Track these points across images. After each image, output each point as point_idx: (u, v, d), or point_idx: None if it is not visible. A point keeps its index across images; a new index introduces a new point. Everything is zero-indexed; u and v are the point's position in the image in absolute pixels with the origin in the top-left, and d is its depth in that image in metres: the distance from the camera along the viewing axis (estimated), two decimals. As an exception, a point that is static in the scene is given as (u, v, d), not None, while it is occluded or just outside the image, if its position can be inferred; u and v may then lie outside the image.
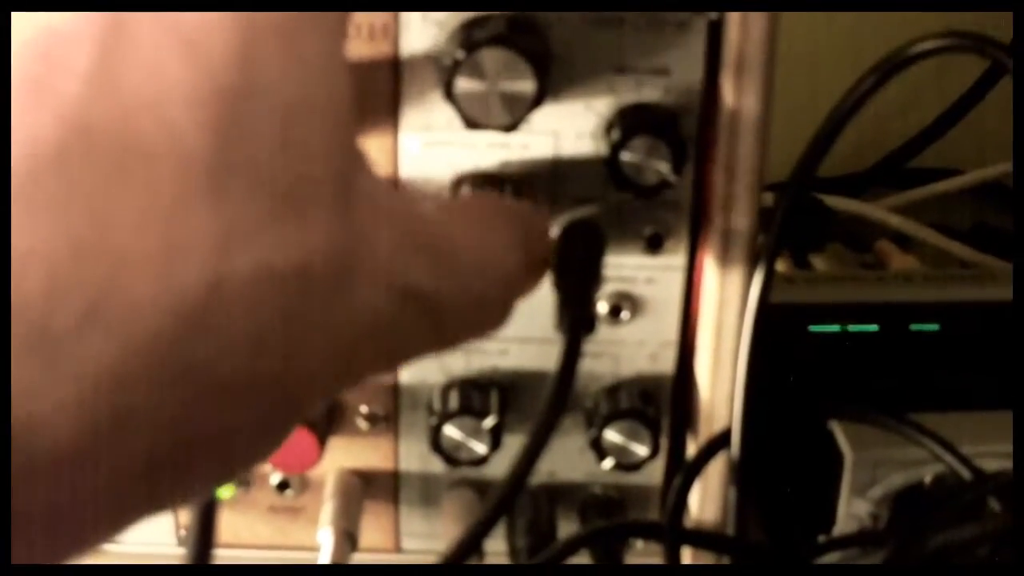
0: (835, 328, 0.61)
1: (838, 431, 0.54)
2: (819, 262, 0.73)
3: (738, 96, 0.47)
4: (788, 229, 0.49)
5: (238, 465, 0.28)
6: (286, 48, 0.27)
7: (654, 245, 0.51)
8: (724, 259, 0.49)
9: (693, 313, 0.52)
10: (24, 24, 0.25)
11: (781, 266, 0.71)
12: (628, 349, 0.53)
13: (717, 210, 0.49)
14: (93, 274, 0.23)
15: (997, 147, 0.87)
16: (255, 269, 0.26)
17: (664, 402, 0.54)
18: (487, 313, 0.35)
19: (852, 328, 0.61)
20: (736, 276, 0.50)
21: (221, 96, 0.26)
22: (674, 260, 0.51)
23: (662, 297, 0.52)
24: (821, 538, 0.53)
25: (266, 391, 0.27)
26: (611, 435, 0.52)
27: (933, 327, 0.62)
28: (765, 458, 0.59)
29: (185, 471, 0.26)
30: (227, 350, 0.26)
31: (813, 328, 0.61)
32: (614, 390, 0.53)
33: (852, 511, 0.53)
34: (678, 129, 0.48)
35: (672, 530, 0.50)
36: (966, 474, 0.50)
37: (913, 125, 0.89)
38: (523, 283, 0.37)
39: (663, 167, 0.47)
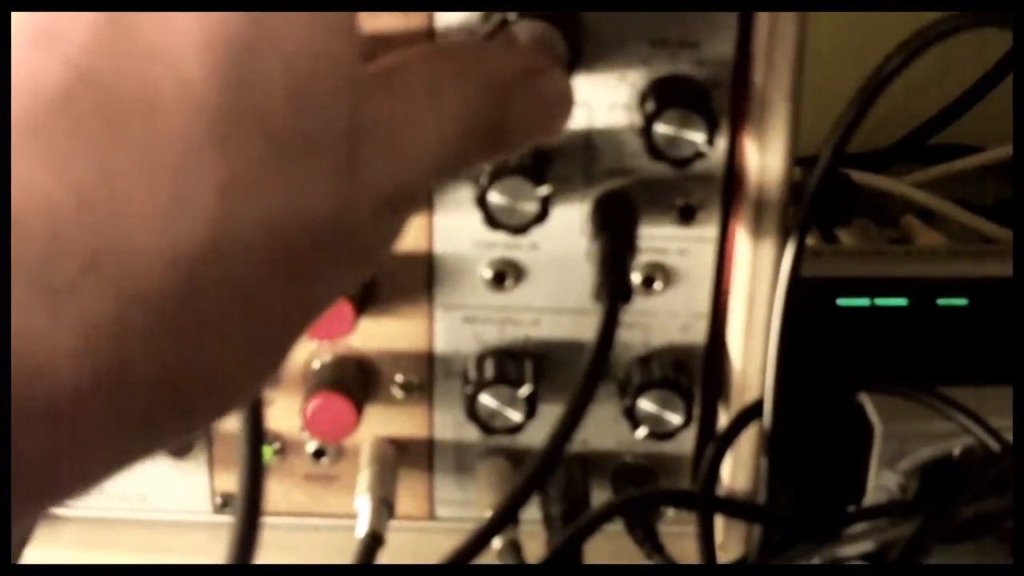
0: (864, 302, 0.61)
1: (868, 404, 0.54)
2: (846, 237, 0.74)
3: (770, 69, 0.48)
4: (820, 202, 0.50)
5: (238, 404, 0.28)
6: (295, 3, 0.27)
7: (687, 216, 0.51)
8: (756, 231, 0.50)
9: (725, 284, 0.53)
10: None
11: (809, 240, 0.71)
12: (660, 320, 0.53)
13: (749, 182, 0.50)
14: (95, 224, 0.23)
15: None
16: (259, 221, 0.26)
17: (696, 372, 0.54)
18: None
19: (880, 302, 0.62)
20: (768, 248, 0.50)
21: (230, 46, 0.26)
22: (707, 231, 0.52)
23: (694, 268, 0.52)
24: (850, 508, 0.54)
25: (267, 339, 0.27)
26: (645, 404, 0.52)
27: (961, 302, 0.62)
28: (795, 430, 0.59)
29: (184, 415, 0.26)
30: (227, 301, 0.26)
31: (841, 302, 0.61)
32: (646, 360, 0.54)
33: (881, 483, 0.54)
34: (711, 101, 0.48)
35: (705, 498, 0.50)
36: (995, 446, 0.50)
37: (937, 102, 0.90)
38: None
39: (697, 138, 0.48)
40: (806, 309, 0.60)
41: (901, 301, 0.62)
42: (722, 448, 0.52)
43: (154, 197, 0.24)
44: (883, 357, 0.59)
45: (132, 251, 0.24)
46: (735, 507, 0.53)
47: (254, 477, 0.45)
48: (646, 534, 0.53)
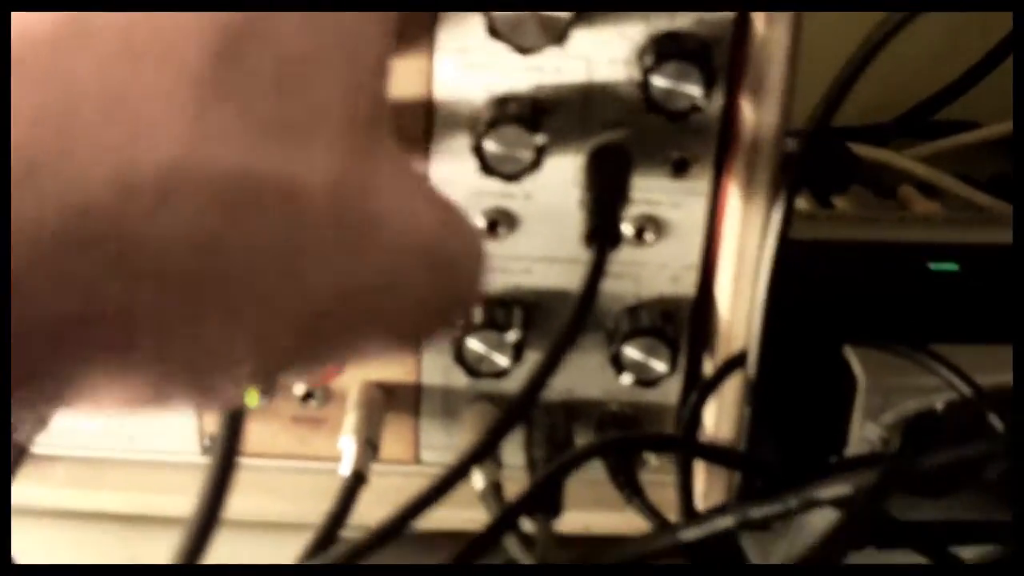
0: (860, 265, 0.62)
1: (853, 357, 0.55)
2: (842, 204, 0.74)
3: (769, 26, 0.48)
4: (810, 164, 0.50)
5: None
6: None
7: (680, 169, 0.52)
8: (748, 186, 0.50)
9: (716, 238, 0.53)
10: None
11: (805, 206, 0.72)
12: (650, 270, 0.54)
13: (744, 139, 0.50)
14: (43, 137, 0.23)
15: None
16: (227, 169, 0.26)
17: (683, 323, 0.55)
18: None
19: (873, 265, 0.62)
20: (759, 204, 0.51)
21: (224, 31, 0.26)
22: (699, 185, 0.52)
23: (686, 221, 0.53)
24: (832, 459, 0.55)
25: (207, 296, 0.27)
26: (630, 351, 0.53)
27: (952, 267, 0.63)
28: (782, 381, 0.60)
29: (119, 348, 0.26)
30: (173, 240, 0.25)
31: (836, 264, 0.62)
32: (635, 310, 0.54)
33: (864, 435, 0.54)
34: (710, 56, 0.49)
35: (685, 443, 0.51)
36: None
37: (939, 80, 0.90)
38: None
39: (694, 91, 0.48)
40: (798, 270, 0.61)
41: (892, 265, 0.62)
42: (704, 394, 0.53)
43: (116, 122, 0.24)
44: (875, 319, 0.60)
45: (76, 167, 0.24)
46: (715, 453, 0.54)
47: (234, 417, 0.46)
48: (627, 480, 0.53)
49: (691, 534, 0.45)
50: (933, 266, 0.62)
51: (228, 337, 0.27)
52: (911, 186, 0.78)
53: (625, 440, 0.54)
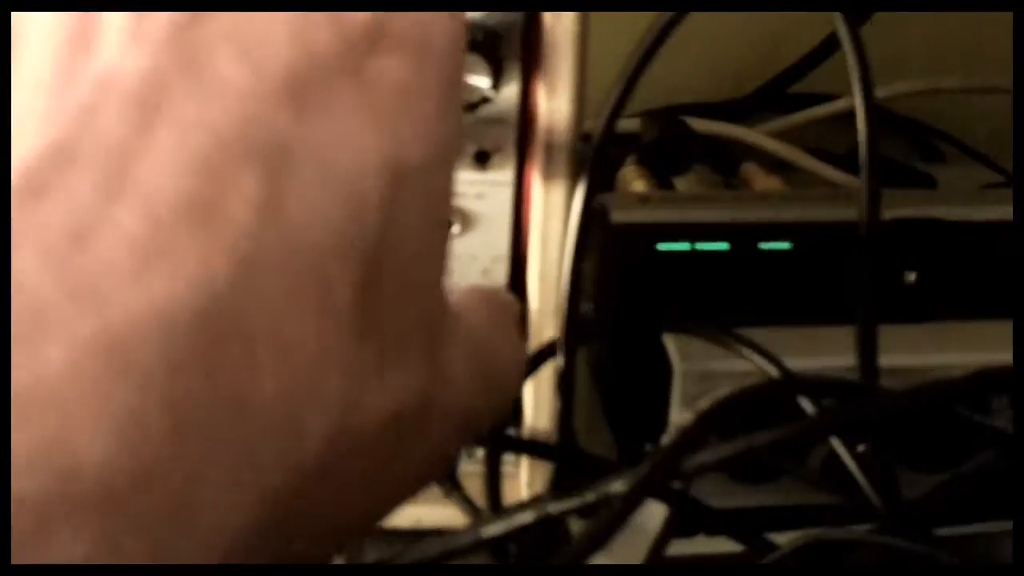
0: (684, 246, 0.62)
1: (670, 343, 0.55)
2: (681, 184, 0.74)
3: (556, 16, 0.48)
4: (610, 137, 0.50)
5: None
6: (424, 193, 0.26)
7: (481, 161, 0.52)
8: (547, 174, 0.51)
9: (524, 227, 0.53)
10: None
11: (641, 187, 0.72)
12: (460, 264, 0.54)
13: (540, 127, 0.50)
14: (231, 436, 0.22)
15: (879, 71, 0.88)
16: (368, 420, 0.25)
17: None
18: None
19: (701, 246, 0.62)
20: (559, 191, 0.51)
21: (366, 257, 0.25)
22: (502, 175, 0.52)
23: (492, 212, 0.53)
24: (648, 447, 0.55)
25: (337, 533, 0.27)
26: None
27: (784, 246, 0.63)
28: (606, 368, 0.60)
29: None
30: (333, 501, 0.25)
31: (661, 246, 0.62)
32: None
33: (681, 421, 0.54)
34: (499, 46, 0.49)
35: (491, 437, 0.51)
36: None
37: (796, 52, 0.90)
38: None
39: (482, 83, 0.48)
40: (626, 254, 0.61)
41: (723, 245, 0.62)
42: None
43: (283, 400, 0.23)
44: (705, 301, 0.60)
45: (259, 459, 0.23)
46: (523, 445, 0.54)
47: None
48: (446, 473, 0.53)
49: (493, 530, 0.45)
50: (763, 245, 0.63)
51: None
52: (756, 164, 0.78)
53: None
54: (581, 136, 0.50)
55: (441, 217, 0.28)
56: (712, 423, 0.44)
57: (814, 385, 0.50)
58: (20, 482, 0.19)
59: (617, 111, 0.50)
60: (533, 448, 0.54)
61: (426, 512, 0.57)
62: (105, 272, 0.21)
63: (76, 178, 0.22)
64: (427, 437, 0.27)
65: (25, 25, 0.25)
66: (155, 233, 0.22)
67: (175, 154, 0.23)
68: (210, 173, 0.23)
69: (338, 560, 0.48)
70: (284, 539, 0.24)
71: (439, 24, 0.27)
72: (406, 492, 0.29)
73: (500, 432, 0.52)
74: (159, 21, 0.24)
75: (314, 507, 0.24)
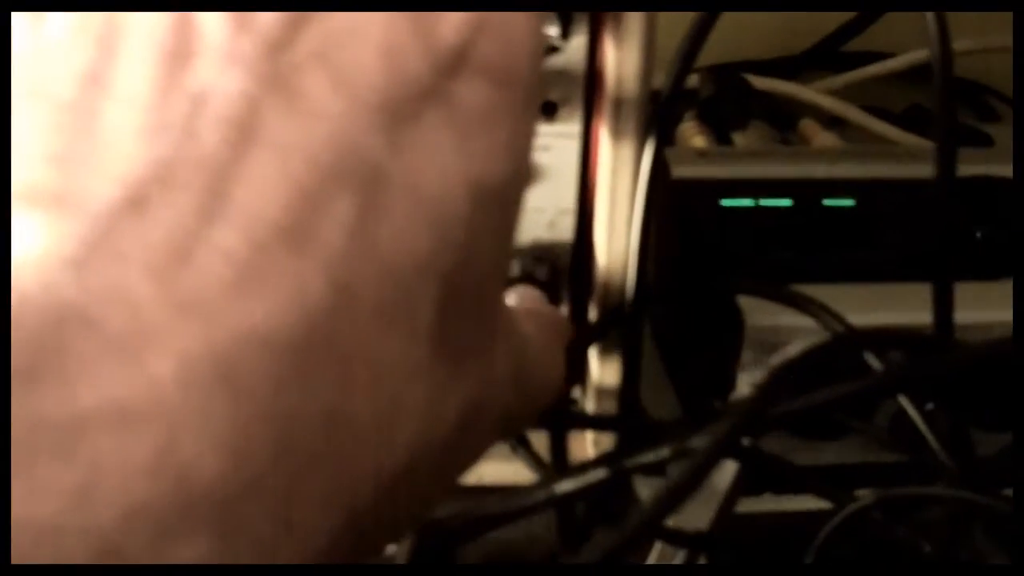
0: (747, 202, 0.61)
1: (740, 299, 0.55)
2: (740, 139, 0.73)
3: (627, -35, 0.48)
4: (679, 93, 0.50)
5: None
6: (499, 213, 0.27)
7: (548, 112, 0.51)
8: (615, 128, 0.50)
9: (591, 181, 0.52)
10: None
11: (700, 142, 0.71)
12: (526, 216, 0.53)
13: (608, 78, 0.49)
14: (319, 436, 0.23)
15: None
16: (445, 424, 0.26)
17: (563, 269, 0.54)
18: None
19: (764, 202, 0.62)
20: (628, 145, 0.50)
21: (448, 279, 0.25)
22: (570, 128, 0.51)
23: (559, 164, 0.52)
24: (717, 404, 0.54)
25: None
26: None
27: (848, 202, 0.62)
28: (673, 325, 0.60)
29: None
30: (411, 497, 0.26)
31: (725, 202, 0.61)
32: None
33: (751, 379, 0.54)
34: (567, -4, 0.48)
35: (555, 416, 0.51)
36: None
37: (849, 10, 0.90)
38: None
39: (551, 31, 0.47)
40: (690, 209, 0.61)
41: (786, 202, 0.62)
42: (581, 347, 0.52)
43: (378, 415, 0.24)
44: (767, 257, 0.60)
45: (352, 471, 0.24)
46: (583, 420, 0.54)
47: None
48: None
49: (566, 487, 0.45)
50: (827, 201, 0.62)
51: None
52: (814, 120, 0.77)
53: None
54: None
55: (511, 234, 0.29)
56: (791, 377, 0.44)
57: (893, 339, 0.49)
58: (137, 491, 0.20)
59: (686, 68, 0.49)
60: (597, 423, 0.54)
61: (488, 469, 0.56)
62: (208, 289, 0.22)
63: (177, 195, 0.22)
64: (480, 432, 0.28)
65: (119, 37, 0.25)
66: (254, 254, 0.22)
67: (272, 177, 0.23)
68: (305, 197, 0.23)
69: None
70: (368, 536, 0.25)
71: (524, 48, 0.27)
72: (456, 481, 0.29)
73: (564, 407, 0.51)
74: (253, 41, 0.24)
75: (396, 506, 0.25)
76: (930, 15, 0.47)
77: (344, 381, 0.23)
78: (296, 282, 0.22)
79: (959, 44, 0.85)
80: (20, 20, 0.25)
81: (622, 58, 0.48)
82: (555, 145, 0.52)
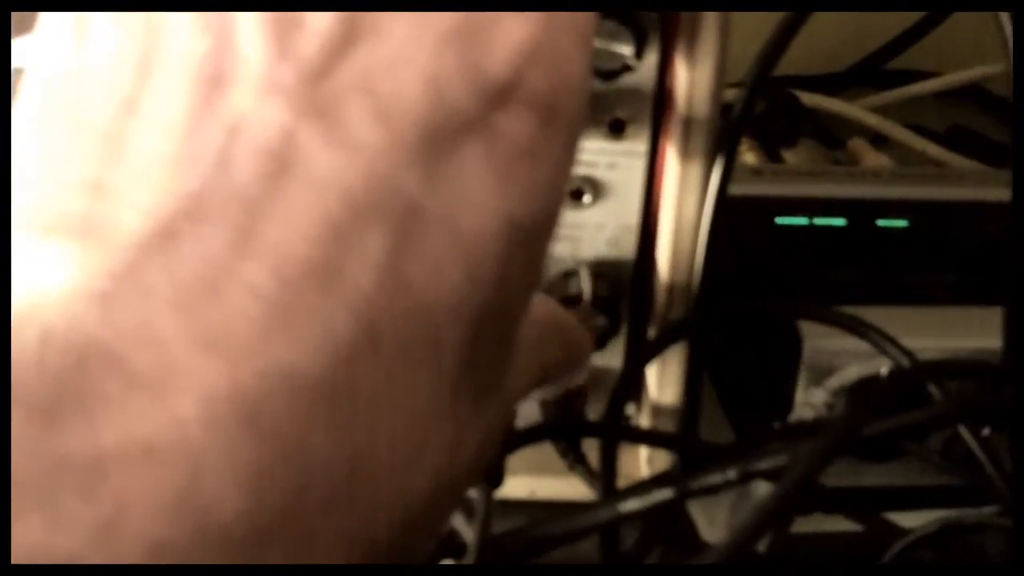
0: (802, 221, 0.61)
1: (799, 321, 0.55)
2: (791, 157, 0.73)
3: (701, -12, 0.48)
4: (752, 121, 0.50)
5: None
6: (529, 253, 0.26)
7: (616, 130, 0.51)
8: (684, 147, 0.50)
9: (655, 199, 0.52)
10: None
11: (752, 159, 0.71)
12: (589, 232, 0.53)
13: (678, 98, 0.49)
14: (340, 472, 0.22)
15: (974, 51, 0.87)
16: (467, 456, 0.26)
17: (624, 286, 0.54)
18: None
19: (819, 221, 0.62)
20: (696, 164, 0.50)
21: (476, 318, 0.25)
22: (636, 146, 0.51)
23: (624, 182, 0.52)
24: (776, 425, 0.54)
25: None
26: (568, 315, 0.52)
27: (901, 223, 0.62)
28: (727, 345, 0.59)
29: None
30: (431, 523, 0.26)
31: (780, 220, 0.61)
32: (569, 275, 0.53)
33: (808, 400, 0.54)
34: (640, 15, 0.48)
35: (608, 428, 0.51)
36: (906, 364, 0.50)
37: (893, 27, 0.89)
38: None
39: (625, 51, 0.48)
40: (744, 227, 0.60)
41: (840, 221, 0.62)
42: (639, 364, 0.52)
43: (400, 455, 0.24)
44: (821, 276, 0.60)
45: (369, 510, 0.23)
46: (640, 435, 0.54)
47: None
48: (569, 447, 0.53)
49: (631, 506, 0.45)
50: (881, 222, 0.62)
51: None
52: (862, 138, 0.77)
53: (557, 429, 0.53)
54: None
55: (540, 272, 0.28)
56: (879, 401, 0.44)
57: (962, 369, 0.49)
58: (159, 529, 0.20)
59: (756, 90, 0.49)
60: (656, 439, 0.53)
61: (540, 484, 0.56)
62: (235, 327, 0.21)
63: (207, 229, 0.22)
64: (492, 451, 0.28)
65: (157, 62, 0.24)
66: (282, 291, 0.22)
67: (305, 213, 0.22)
68: (337, 234, 0.23)
69: (469, 527, 0.48)
70: (383, 562, 0.24)
71: (574, 83, 0.26)
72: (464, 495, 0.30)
73: (616, 424, 0.51)
74: (294, 69, 0.24)
75: (415, 537, 0.25)
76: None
77: (368, 422, 0.23)
78: (323, 321, 0.22)
79: (1003, 65, 0.86)
80: (66, 37, 0.25)
81: (694, 78, 0.48)
82: (621, 163, 0.52)
